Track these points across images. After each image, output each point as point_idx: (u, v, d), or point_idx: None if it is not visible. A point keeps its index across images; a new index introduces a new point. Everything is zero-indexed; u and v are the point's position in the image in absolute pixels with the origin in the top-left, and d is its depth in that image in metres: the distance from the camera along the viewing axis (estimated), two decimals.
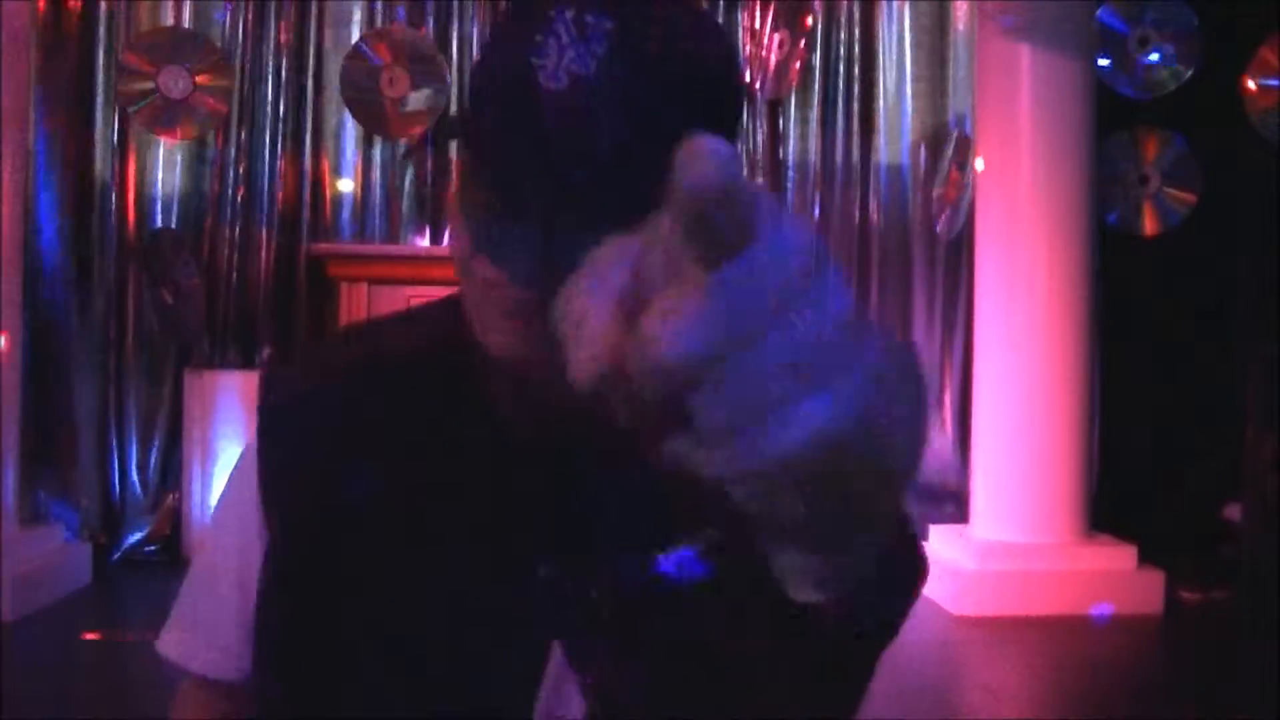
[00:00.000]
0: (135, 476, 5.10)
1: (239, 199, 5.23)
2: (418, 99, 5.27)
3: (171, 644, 0.84)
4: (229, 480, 0.85)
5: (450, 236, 0.77)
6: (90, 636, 3.90)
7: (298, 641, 0.75)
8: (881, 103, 5.59)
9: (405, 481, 0.75)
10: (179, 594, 0.86)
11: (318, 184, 5.35)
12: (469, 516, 0.73)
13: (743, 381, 0.31)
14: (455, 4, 5.43)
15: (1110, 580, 4.55)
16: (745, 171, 0.35)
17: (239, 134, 5.25)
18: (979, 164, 4.96)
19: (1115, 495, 5.14)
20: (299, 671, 0.75)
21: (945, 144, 5.49)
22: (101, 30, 5.13)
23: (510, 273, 0.67)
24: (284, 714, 0.76)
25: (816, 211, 5.52)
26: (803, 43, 5.48)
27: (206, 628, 0.83)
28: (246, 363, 5.09)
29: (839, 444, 0.32)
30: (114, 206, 5.13)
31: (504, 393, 0.73)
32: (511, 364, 0.70)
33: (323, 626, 0.74)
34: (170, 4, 5.24)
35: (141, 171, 5.21)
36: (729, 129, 0.67)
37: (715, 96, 0.66)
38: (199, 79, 5.12)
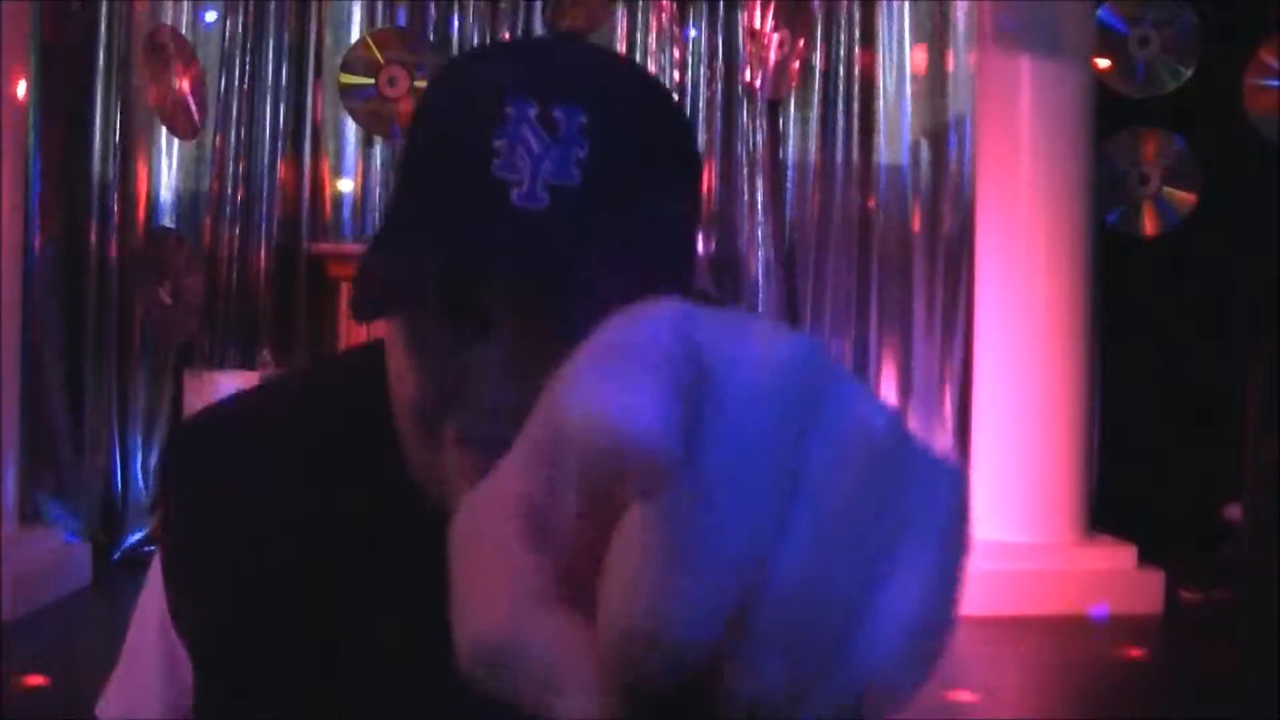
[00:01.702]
0: (135, 476, 5.10)
1: (239, 199, 5.23)
2: (417, 99, 5.26)
3: (103, 706, 0.83)
4: (149, 578, 0.78)
5: (401, 377, 0.61)
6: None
7: None
8: (881, 103, 5.59)
9: (331, 598, 0.68)
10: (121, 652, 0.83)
11: (318, 184, 5.35)
12: (403, 628, 0.66)
13: (786, 612, 0.22)
14: (455, 4, 5.43)
15: (1110, 580, 4.55)
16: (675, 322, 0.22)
17: (239, 134, 5.24)
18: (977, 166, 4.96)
19: (1115, 495, 5.14)
20: None
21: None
22: (102, 30, 5.13)
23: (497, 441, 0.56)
24: None
25: (816, 212, 5.52)
26: (802, 43, 5.47)
27: (133, 700, 0.81)
28: (246, 363, 5.09)
29: (941, 622, 0.24)
30: (114, 206, 5.13)
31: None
32: None
33: None
34: (170, 5, 5.23)
35: (142, 171, 5.21)
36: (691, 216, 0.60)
37: (685, 185, 0.60)
38: (197, 80, 5.11)
